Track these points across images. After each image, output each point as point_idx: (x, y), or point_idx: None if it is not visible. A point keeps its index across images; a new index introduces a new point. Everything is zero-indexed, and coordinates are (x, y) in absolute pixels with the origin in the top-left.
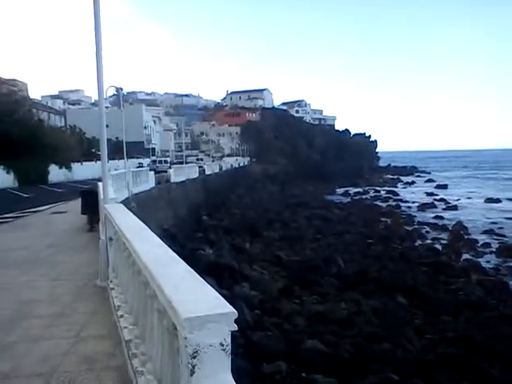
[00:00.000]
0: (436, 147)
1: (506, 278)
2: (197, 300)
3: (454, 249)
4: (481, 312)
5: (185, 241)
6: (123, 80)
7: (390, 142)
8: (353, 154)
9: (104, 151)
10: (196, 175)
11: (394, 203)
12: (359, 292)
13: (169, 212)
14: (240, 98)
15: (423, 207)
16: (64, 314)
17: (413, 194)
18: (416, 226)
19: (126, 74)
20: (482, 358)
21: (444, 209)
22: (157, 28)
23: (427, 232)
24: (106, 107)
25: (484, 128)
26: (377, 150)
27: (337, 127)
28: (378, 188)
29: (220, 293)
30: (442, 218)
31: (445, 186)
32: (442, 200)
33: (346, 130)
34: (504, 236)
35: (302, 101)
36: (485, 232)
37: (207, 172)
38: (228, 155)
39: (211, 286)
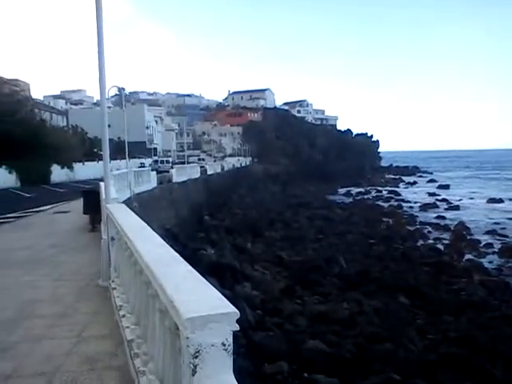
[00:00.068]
0: (438, 147)
1: (508, 278)
2: (199, 300)
3: (456, 249)
4: (483, 312)
5: (186, 241)
6: (125, 80)
7: (392, 142)
8: (355, 154)
9: (106, 151)
10: (198, 175)
11: (395, 203)
12: (361, 292)
13: (171, 212)
14: (242, 98)
15: (425, 207)
16: (66, 313)
17: (415, 194)
18: (418, 226)
19: (128, 74)
20: (485, 358)
21: (446, 209)
22: (159, 28)
23: (429, 232)
24: (108, 107)
25: (486, 128)
26: (379, 150)
27: (339, 127)
28: (379, 188)
29: (222, 293)
30: (444, 218)
31: (447, 186)
32: (444, 200)
33: (348, 130)
34: (506, 236)
35: (304, 101)
36: (487, 232)
37: (209, 172)
38: (230, 155)
39: (213, 286)
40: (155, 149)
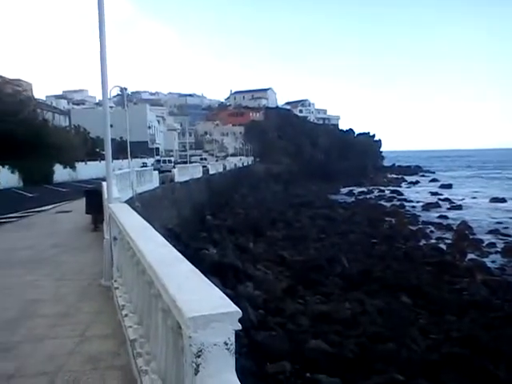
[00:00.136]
0: (440, 147)
1: (511, 278)
2: (201, 299)
3: (458, 248)
4: (486, 312)
5: (189, 240)
6: (127, 80)
7: (395, 142)
8: (357, 154)
9: (108, 151)
10: (200, 175)
11: (398, 203)
12: (363, 292)
13: (173, 212)
14: (244, 97)
15: (427, 207)
16: (69, 313)
17: (417, 193)
18: (420, 226)
19: (130, 74)
20: (488, 358)
21: (448, 208)
22: (161, 28)
23: (431, 232)
24: (110, 107)
25: (488, 127)
26: (381, 150)
27: (341, 127)
28: (382, 187)
29: (224, 292)
30: (446, 217)
31: (449, 186)
32: (446, 200)
33: (350, 130)
34: (509, 236)
35: (306, 100)
36: (490, 232)
37: (211, 172)
38: (232, 155)
39: (215, 285)
40: (157, 148)
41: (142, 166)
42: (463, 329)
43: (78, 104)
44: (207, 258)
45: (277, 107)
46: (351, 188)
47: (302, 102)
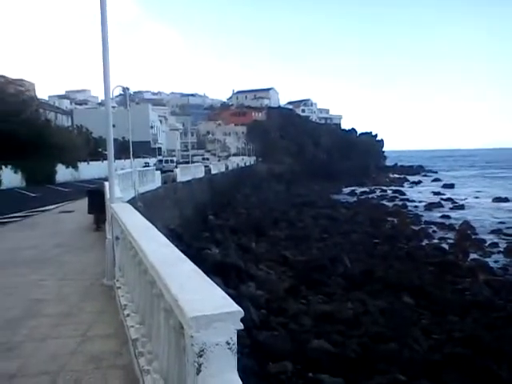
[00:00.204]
0: (443, 146)
1: None
2: (203, 299)
3: (461, 248)
4: (488, 312)
5: (191, 240)
6: (130, 80)
7: (397, 141)
8: (359, 154)
9: (110, 151)
10: (202, 175)
11: (400, 203)
12: (365, 292)
13: (175, 211)
14: (246, 97)
15: (430, 207)
16: (71, 313)
17: (419, 193)
18: (423, 226)
19: (133, 74)
20: (490, 358)
21: (451, 208)
22: (163, 28)
23: (434, 231)
24: (113, 107)
25: (490, 128)
26: (383, 149)
27: (343, 126)
28: (384, 187)
29: (226, 292)
30: (448, 217)
31: (452, 186)
32: (448, 199)
33: (353, 129)
34: None
35: (308, 100)
36: (492, 232)
37: (213, 171)
38: (234, 154)
39: (217, 285)
40: (159, 148)
41: (144, 166)
42: (465, 329)
43: (80, 104)
44: (209, 258)
45: (279, 107)
46: (353, 188)
47: (305, 102)
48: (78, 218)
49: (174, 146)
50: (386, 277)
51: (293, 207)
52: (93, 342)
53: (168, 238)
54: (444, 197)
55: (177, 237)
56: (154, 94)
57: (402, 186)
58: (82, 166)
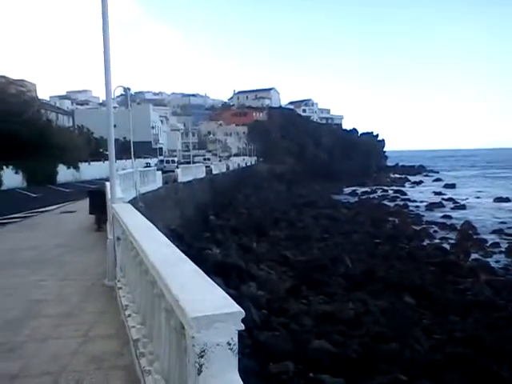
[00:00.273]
0: (444, 146)
1: None
2: (204, 299)
3: (462, 248)
4: (489, 312)
5: (192, 240)
6: (131, 80)
7: (398, 141)
8: (360, 154)
9: (112, 151)
10: (203, 175)
11: (401, 203)
12: (367, 292)
13: (176, 212)
14: (247, 97)
15: (431, 206)
16: (72, 313)
17: (421, 193)
18: (424, 226)
19: (134, 74)
20: (491, 358)
21: (452, 208)
22: (164, 28)
23: (435, 231)
24: (114, 107)
25: (491, 127)
26: (384, 149)
27: (344, 126)
28: (385, 187)
29: (227, 292)
30: (450, 217)
31: (453, 186)
32: (450, 199)
33: (354, 129)
34: None
35: (309, 100)
36: (494, 232)
37: (214, 172)
38: (235, 155)
39: (218, 285)
40: (161, 149)
41: (145, 166)
42: (467, 329)
43: (81, 104)
44: (210, 258)
45: (280, 107)
46: (354, 188)
47: (306, 102)
48: (79, 219)
49: (175, 147)
50: (387, 277)
51: (294, 207)
52: (94, 343)
53: (169, 239)
54: (445, 197)
55: (178, 237)
56: (155, 94)
57: (404, 186)
58: (83, 166)
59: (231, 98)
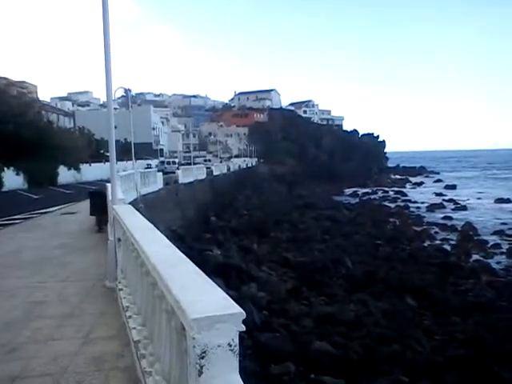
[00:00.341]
0: (445, 147)
1: None
2: (205, 300)
3: (463, 249)
4: (491, 313)
5: (193, 242)
6: (132, 81)
7: (399, 143)
8: (361, 155)
9: (112, 152)
10: (204, 176)
11: (402, 204)
12: (368, 293)
13: (177, 213)
14: (248, 98)
15: (432, 208)
16: (73, 314)
17: (421, 194)
18: (425, 227)
19: (135, 75)
20: (492, 360)
21: (453, 209)
22: (165, 29)
23: (436, 233)
24: (115, 108)
25: (492, 128)
26: (385, 151)
27: (345, 127)
28: (386, 188)
29: (228, 293)
30: (451, 218)
31: (454, 187)
32: (451, 200)
33: (354, 131)
34: None
35: (310, 101)
36: (495, 233)
37: (215, 173)
38: (236, 156)
39: (219, 286)
40: (161, 150)
41: (146, 168)
42: (468, 330)
43: (82, 106)
44: (211, 259)
45: (281, 108)
46: (355, 189)
47: (306, 103)
48: (80, 220)
49: (176, 148)
50: (388, 278)
51: (294, 208)
52: (95, 344)
53: (170, 240)
54: (446, 198)
55: (178, 238)
56: (155, 95)
57: (404, 187)
58: (83, 167)
59: (232, 99)
